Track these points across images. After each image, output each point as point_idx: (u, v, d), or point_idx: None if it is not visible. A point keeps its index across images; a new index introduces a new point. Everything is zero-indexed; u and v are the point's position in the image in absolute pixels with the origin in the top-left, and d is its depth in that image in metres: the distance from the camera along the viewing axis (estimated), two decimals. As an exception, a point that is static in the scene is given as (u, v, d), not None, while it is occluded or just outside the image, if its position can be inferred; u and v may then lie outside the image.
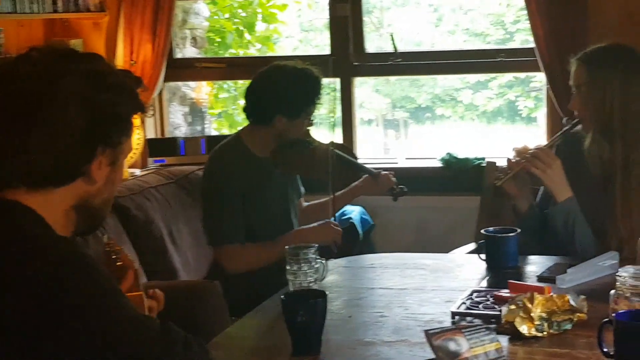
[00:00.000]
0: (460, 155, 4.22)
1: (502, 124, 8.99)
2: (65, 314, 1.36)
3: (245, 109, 3.30)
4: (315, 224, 3.22)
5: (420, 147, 8.11)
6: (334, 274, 2.60)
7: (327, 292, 2.01)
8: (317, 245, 2.40)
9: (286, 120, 3.18)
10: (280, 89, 3.16)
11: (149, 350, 1.39)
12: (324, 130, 3.48)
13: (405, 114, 8.72)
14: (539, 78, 7.56)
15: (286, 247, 2.40)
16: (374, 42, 7.22)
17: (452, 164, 4.20)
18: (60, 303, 1.36)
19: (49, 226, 1.48)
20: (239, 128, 5.09)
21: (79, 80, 1.50)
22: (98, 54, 1.63)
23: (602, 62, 2.78)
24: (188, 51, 4.89)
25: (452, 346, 1.80)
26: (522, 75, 8.15)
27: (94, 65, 1.55)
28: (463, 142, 8.08)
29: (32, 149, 1.47)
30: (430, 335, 1.82)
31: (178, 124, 4.85)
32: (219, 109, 5.46)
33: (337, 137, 4.32)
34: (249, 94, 3.28)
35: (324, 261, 2.44)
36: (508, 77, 8.46)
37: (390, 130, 8.59)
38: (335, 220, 3.40)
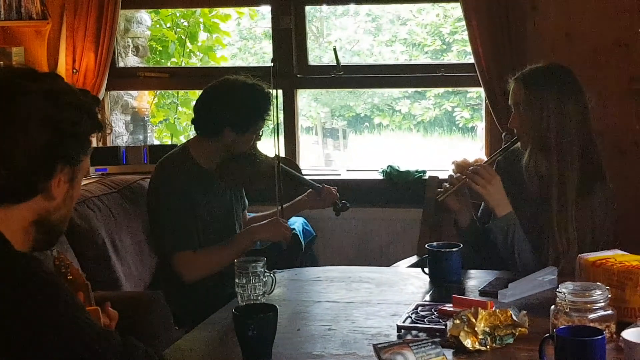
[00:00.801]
0: (402, 167, 4.28)
1: (440, 134, 9.12)
2: (29, 331, 1.37)
3: (194, 121, 3.32)
4: (265, 222, 3.27)
5: (359, 156, 8.18)
6: (281, 287, 2.63)
7: (277, 306, 2.05)
8: (265, 259, 2.43)
9: (234, 134, 3.21)
10: (231, 103, 3.19)
11: None
12: (267, 140, 3.52)
13: (344, 122, 8.79)
14: (476, 89, 7.70)
15: (235, 260, 2.43)
16: (314, 52, 7.27)
17: (393, 176, 4.26)
18: (24, 320, 1.37)
19: (9, 242, 1.49)
20: (182, 137, 5.09)
21: (39, 100, 1.52)
22: (57, 74, 1.66)
23: (538, 81, 2.86)
24: (130, 60, 4.88)
25: (399, 360, 1.86)
26: (459, 86, 8.28)
27: (54, 84, 1.57)
28: (401, 152, 8.18)
29: None
30: (379, 349, 1.87)
31: (120, 133, 4.83)
32: (160, 118, 5.45)
33: (280, 148, 4.35)
34: (198, 106, 3.31)
35: (272, 275, 2.48)
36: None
37: (329, 139, 8.65)
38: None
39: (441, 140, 9.08)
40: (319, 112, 8.66)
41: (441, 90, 8.63)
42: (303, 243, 3.90)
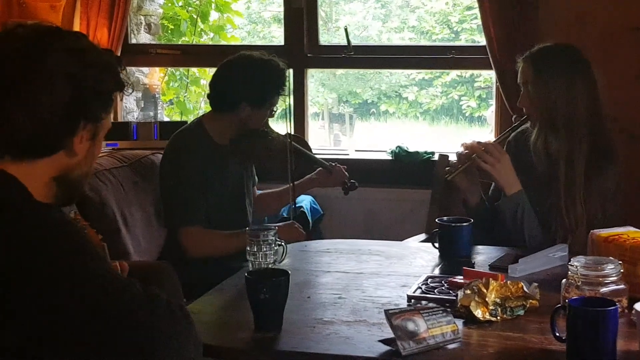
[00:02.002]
0: (410, 148, 4.29)
1: (446, 122, 9.13)
2: (52, 278, 1.39)
3: (209, 96, 3.34)
4: (280, 224, 3.28)
5: (365, 142, 8.20)
6: (291, 258, 2.65)
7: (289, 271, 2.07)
8: (276, 227, 2.45)
9: (250, 108, 3.23)
10: (248, 77, 3.21)
11: (135, 312, 1.43)
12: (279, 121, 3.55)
13: (350, 108, 8.80)
14: (483, 78, 7.68)
15: (247, 228, 2.44)
16: (323, 36, 7.28)
17: (402, 157, 4.27)
18: (46, 267, 1.39)
19: (31, 194, 1.51)
20: (191, 117, 5.10)
21: (64, 57, 1.54)
22: (81, 33, 1.68)
23: (547, 60, 2.88)
24: (142, 37, 4.89)
25: (410, 326, 1.88)
26: (466, 74, 8.29)
27: (79, 43, 1.59)
28: (408, 139, 8.21)
29: (17, 120, 1.51)
30: (389, 315, 1.89)
31: (131, 109, 4.84)
32: (170, 96, 5.47)
33: (290, 126, 4.36)
34: (215, 81, 3.33)
35: (283, 243, 2.50)
36: (452, 75, 8.59)
37: (336, 124, 8.66)
38: (287, 209, 3.48)
39: (447, 129, 9.09)
40: (326, 98, 8.67)
41: (449, 78, 8.63)
42: (310, 221, 3.92)
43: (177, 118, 5.38)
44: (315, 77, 7.53)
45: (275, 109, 3.35)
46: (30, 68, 1.52)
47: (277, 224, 3.29)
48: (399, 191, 4.25)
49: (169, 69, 5.28)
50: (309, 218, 3.91)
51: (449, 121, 9.22)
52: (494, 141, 2.98)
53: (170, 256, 3.39)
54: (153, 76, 4.96)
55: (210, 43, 5.52)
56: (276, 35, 8.15)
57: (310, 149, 3.73)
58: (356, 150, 4.62)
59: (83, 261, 1.42)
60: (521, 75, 2.93)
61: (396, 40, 8.55)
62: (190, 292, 3.04)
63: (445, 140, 8.51)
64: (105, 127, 1.65)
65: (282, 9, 4.48)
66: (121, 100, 4.38)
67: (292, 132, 4.30)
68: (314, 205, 4.04)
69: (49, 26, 1.62)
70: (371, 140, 8.60)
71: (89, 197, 3.41)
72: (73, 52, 1.56)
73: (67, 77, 1.54)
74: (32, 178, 1.54)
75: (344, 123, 8.72)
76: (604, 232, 2.31)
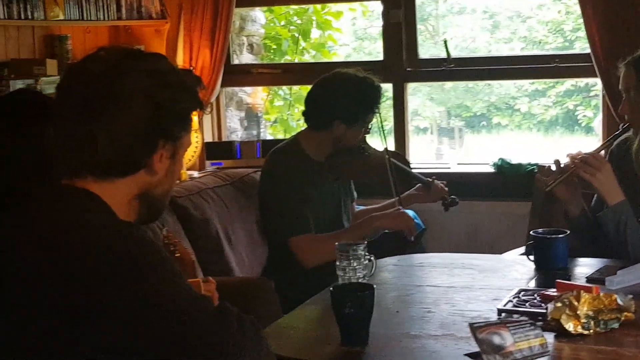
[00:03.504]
0: (513, 161, 4.23)
1: (561, 134, 8.91)
2: (128, 292, 1.43)
3: (304, 113, 3.37)
4: (388, 211, 3.29)
5: (475, 155, 8.09)
6: (384, 272, 2.65)
7: (375, 286, 2.07)
8: (366, 242, 2.45)
9: (344, 126, 3.25)
10: (341, 95, 3.23)
11: (207, 327, 1.46)
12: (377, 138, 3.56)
13: (461, 122, 8.70)
14: (600, 86, 7.52)
15: (336, 243, 2.45)
16: (429, 50, 7.24)
17: (504, 169, 4.21)
18: (123, 281, 1.43)
19: (114, 213, 1.56)
20: (293, 133, 5.17)
21: (143, 78, 1.58)
22: (161, 54, 1.72)
23: None
24: (245, 57, 4.99)
25: (496, 340, 1.85)
26: (581, 83, 8.08)
27: (158, 64, 1.63)
28: (519, 151, 8.05)
29: (99, 141, 1.55)
30: (475, 328, 1.86)
31: (234, 128, 4.94)
32: (274, 115, 5.55)
33: (390, 143, 4.37)
34: (309, 98, 3.36)
35: (372, 258, 2.49)
36: (567, 85, 8.39)
37: (445, 138, 8.58)
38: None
39: (563, 140, 8.88)
40: (434, 112, 8.60)
41: (563, 88, 8.43)
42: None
43: (280, 136, 5.46)
44: (422, 92, 7.49)
45: (370, 126, 3.35)
46: (110, 89, 1.57)
47: (385, 212, 3.30)
48: (502, 204, 4.19)
49: (273, 87, 5.36)
50: (412, 232, 3.89)
51: (565, 132, 9.00)
52: (595, 150, 2.90)
53: (273, 272, 3.43)
54: (256, 95, 5.05)
55: (312, 61, 5.58)
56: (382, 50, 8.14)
57: (408, 165, 3.71)
58: (458, 164, 4.57)
59: (158, 277, 1.46)
60: (623, 81, 2.85)
61: (505, 51, 8.41)
62: (292, 306, 3.08)
63: (560, 151, 8.31)
64: (185, 146, 1.68)
65: (384, 24, 4.50)
66: (200, 126, 4.48)
67: (393, 148, 4.32)
68: (416, 220, 4.01)
69: (130, 48, 1.67)
70: (482, 153, 8.47)
71: (193, 215, 3.50)
72: (152, 73, 1.61)
73: (146, 98, 1.58)
74: (115, 197, 1.59)
75: (454, 137, 8.63)
76: None
